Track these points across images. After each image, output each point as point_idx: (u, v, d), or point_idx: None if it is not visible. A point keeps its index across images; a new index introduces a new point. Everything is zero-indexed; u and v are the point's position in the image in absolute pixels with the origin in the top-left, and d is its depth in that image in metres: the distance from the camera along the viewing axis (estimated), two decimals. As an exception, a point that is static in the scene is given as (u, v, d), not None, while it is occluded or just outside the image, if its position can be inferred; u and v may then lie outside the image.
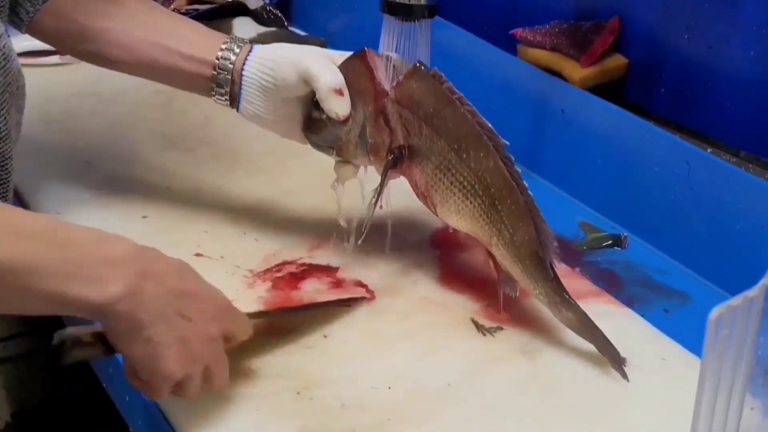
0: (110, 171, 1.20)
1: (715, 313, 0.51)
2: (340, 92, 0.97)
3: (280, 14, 1.67)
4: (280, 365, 0.89)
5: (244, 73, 0.99)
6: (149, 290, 0.71)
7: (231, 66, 1.00)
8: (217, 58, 1.00)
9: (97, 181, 1.16)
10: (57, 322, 1.09)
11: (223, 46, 1.00)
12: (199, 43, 1.01)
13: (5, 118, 0.91)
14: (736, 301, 0.52)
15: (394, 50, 1.01)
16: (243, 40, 1.02)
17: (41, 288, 0.66)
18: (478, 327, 0.95)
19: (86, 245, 0.68)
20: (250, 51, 1.01)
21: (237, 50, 1.00)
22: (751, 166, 1.12)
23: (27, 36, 1.06)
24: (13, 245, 0.64)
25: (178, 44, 1.01)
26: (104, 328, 0.73)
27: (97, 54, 1.04)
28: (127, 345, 0.72)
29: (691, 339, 0.94)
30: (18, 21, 1.02)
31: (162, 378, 0.74)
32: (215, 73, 1.00)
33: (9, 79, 0.92)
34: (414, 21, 0.99)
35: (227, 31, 1.60)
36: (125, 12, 1.03)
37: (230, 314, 0.81)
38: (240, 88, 1.00)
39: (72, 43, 1.05)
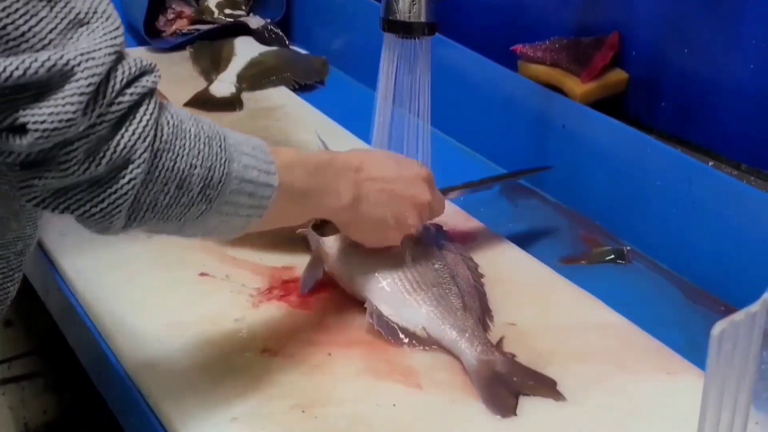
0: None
1: (718, 328, 0.52)
2: None
3: (281, 33, 1.68)
4: (286, 384, 0.89)
5: None
6: (365, 189, 0.92)
7: None
8: None
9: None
10: (63, 344, 1.10)
11: None
12: None
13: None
14: (738, 316, 0.52)
15: (395, 67, 1.01)
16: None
17: (311, 203, 0.88)
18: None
19: (326, 169, 0.88)
20: None
21: None
22: (752, 179, 1.12)
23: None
24: (287, 175, 0.82)
25: None
26: (339, 225, 0.95)
27: None
28: (356, 232, 0.96)
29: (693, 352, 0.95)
30: None
31: (384, 245, 0.97)
32: None
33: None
34: (414, 38, 1.00)
35: (229, 50, 1.61)
36: None
37: (433, 183, 1.00)
38: None
39: None
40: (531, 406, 0.88)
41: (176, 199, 0.73)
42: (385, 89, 1.04)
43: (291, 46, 1.69)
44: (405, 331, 0.94)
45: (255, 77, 1.55)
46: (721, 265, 1.07)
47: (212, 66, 1.58)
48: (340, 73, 1.60)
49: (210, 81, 1.54)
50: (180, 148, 0.72)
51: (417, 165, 1.00)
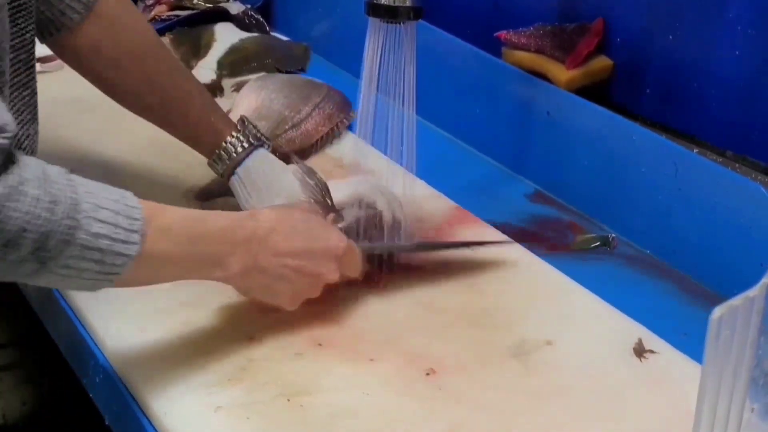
0: (94, 178, 1.18)
1: (716, 313, 0.51)
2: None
3: (261, 19, 1.66)
4: (271, 372, 0.88)
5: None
6: (263, 262, 0.87)
7: (229, 161, 1.06)
8: (227, 143, 1.07)
9: (80, 189, 1.15)
10: (42, 335, 1.08)
11: (235, 134, 1.06)
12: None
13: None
14: (737, 300, 0.52)
15: (379, 52, 1.00)
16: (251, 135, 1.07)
17: (184, 271, 0.85)
18: (637, 353, 0.94)
19: (214, 238, 0.85)
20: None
21: (246, 144, 1.07)
22: (737, 165, 1.12)
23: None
24: (159, 242, 0.79)
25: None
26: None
27: (115, 83, 1.08)
28: (247, 294, 0.92)
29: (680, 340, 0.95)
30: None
31: (278, 308, 0.93)
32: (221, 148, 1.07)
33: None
34: (399, 23, 0.99)
35: (209, 37, 1.60)
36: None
37: (346, 258, 0.94)
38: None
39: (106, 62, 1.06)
40: (512, 397, 0.87)
41: (2, 256, 0.71)
42: (369, 75, 1.03)
43: (272, 33, 1.67)
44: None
45: (235, 64, 1.54)
46: (706, 252, 1.07)
47: (192, 53, 1.56)
48: (322, 60, 1.59)
49: (190, 68, 1.52)
50: (10, 210, 0.70)
51: (333, 237, 0.93)
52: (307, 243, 0.91)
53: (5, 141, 0.69)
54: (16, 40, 0.88)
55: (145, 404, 0.85)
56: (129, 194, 0.78)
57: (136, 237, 0.77)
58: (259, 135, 1.08)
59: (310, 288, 0.92)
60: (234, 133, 1.06)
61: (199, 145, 1.08)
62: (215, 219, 0.86)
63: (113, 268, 0.76)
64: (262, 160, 1.07)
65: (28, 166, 0.72)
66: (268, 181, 1.05)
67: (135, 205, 0.78)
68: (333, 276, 0.92)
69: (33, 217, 0.71)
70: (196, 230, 0.83)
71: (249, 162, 1.06)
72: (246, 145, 1.06)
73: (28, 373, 1.48)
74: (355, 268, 0.96)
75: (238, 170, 1.06)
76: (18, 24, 0.88)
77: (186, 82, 1.08)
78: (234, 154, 1.06)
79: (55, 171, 0.74)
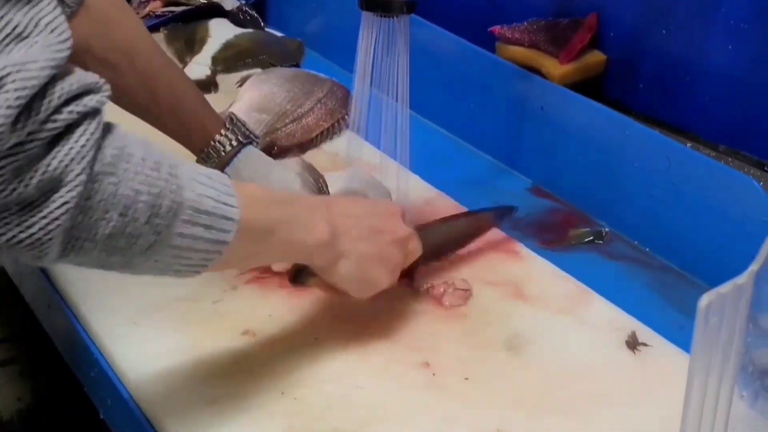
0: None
1: (704, 300, 0.51)
2: None
3: (256, 15, 1.66)
4: (265, 365, 0.88)
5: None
6: (342, 223, 0.85)
7: (218, 160, 1.05)
8: (215, 141, 1.05)
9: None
10: (36, 330, 1.09)
11: (223, 132, 1.05)
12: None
13: None
14: (725, 288, 0.52)
15: (373, 47, 1.00)
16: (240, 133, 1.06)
17: (281, 240, 0.81)
18: (630, 345, 0.94)
19: (292, 203, 0.84)
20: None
21: (235, 143, 1.05)
22: (730, 159, 1.13)
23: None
24: (251, 208, 0.77)
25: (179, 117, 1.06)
26: (324, 270, 0.87)
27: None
28: (338, 274, 0.87)
29: (673, 333, 0.95)
30: None
31: (380, 290, 0.90)
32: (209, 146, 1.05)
33: None
34: (392, 17, 0.99)
35: (203, 32, 1.60)
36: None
37: (406, 219, 0.93)
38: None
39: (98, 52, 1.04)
40: (506, 390, 0.88)
41: (120, 229, 0.67)
42: (363, 69, 1.03)
43: (266, 28, 1.67)
44: None
45: (230, 60, 1.53)
46: (699, 246, 1.07)
47: (187, 48, 1.56)
48: (317, 56, 1.59)
49: (184, 63, 1.52)
50: (123, 171, 0.66)
51: (386, 201, 0.96)
52: (368, 206, 0.92)
53: (106, 100, 0.66)
54: None
55: (139, 398, 0.85)
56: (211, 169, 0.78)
57: (234, 200, 0.74)
58: (247, 133, 1.08)
59: (392, 247, 0.90)
60: (222, 131, 1.06)
61: (189, 142, 1.07)
62: (283, 190, 0.89)
63: (221, 235, 0.73)
64: (251, 157, 1.06)
65: (122, 129, 0.69)
66: (259, 177, 1.05)
67: (222, 174, 0.75)
68: (405, 230, 0.91)
69: (143, 177, 0.67)
70: (276, 197, 0.83)
71: (238, 160, 1.05)
72: (234, 143, 1.06)
73: (23, 368, 1.48)
74: (415, 239, 0.94)
75: (227, 170, 1.05)
76: None
77: (177, 79, 1.08)
78: (222, 153, 1.05)
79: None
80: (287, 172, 1.07)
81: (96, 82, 0.66)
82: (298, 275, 0.90)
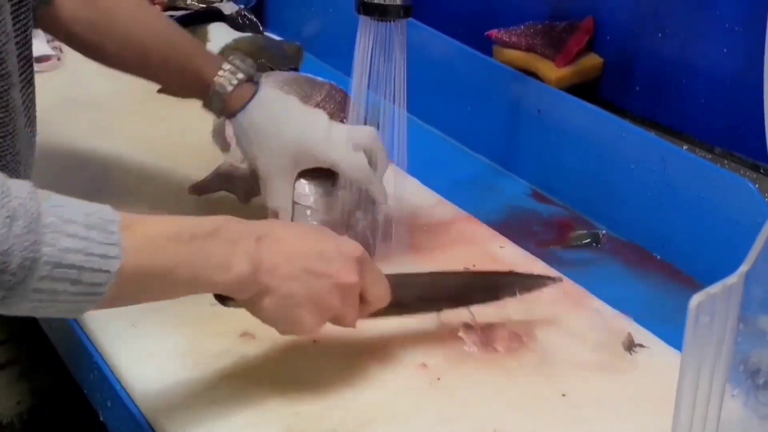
0: (88, 177, 1.20)
1: (695, 300, 0.52)
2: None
3: (255, 19, 1.67)
4: (264, 367, 0.89)
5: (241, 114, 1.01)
6: (268, 260, 0.78)
7: (225, 96, 1.02)
8: (214, 83, 1.02)
9: (74, 187, 1.14)
10: (35, 332, 1.09)
11: (219, 78, 1.02)
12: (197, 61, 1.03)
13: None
14: (715, 288, 0.53)
15: (370, 51, 1.01)
16: (240, 68, 1.02)
17: (182, 280, 0.76)
18: (626, 347, 0.95)
19: (207, 237, 0.76)
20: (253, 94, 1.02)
21: (235, 81, 1.01)
22: (726, 161, 1.13)
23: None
24: (146, 252, 0.73)
25: (177, 61, 1.03)
26: (239, 302, 0.81)
27: (96, 44, 1.05)
28: (261, 310, 0.80)
29: (669, 334, 0.96)
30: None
31: (305, 333, 0.83)
32: (210, 91, 1.02)
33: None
34: (389, 21, 0.99)
35: (202, 36, 1.60)
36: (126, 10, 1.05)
37: (366, 265, 0.84)
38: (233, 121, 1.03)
39: (81, 30, 1.04)
40: (504, 391, 0.88)
41: None
42: (360, 73, 1.03)
43: (265, 32, 1.68)
44: None
45: (229, 64, 1.54)
46: (695, 247, 1.08)
47: (186, 52, 1.57)
48: (315, 59, 1.60)
49: (184, 68, 1.53)
50: None
51: (348, 243, 0.84)
52: (316, 243, 0.82)
53: None
54: (20, 36, 0.88)
55: (139, 400, 0.85)
56: (107, 207, 0.72)
57: (115, 250, 0.70)
58: (245, 68, 1.03)
59: (328, 293, 0.81)
60: (221, 73, 1.02)
61: (190, 91, 1.05)
62: (210, 220, 0.78)
63: (94, 288, 0.70)
64: (264, 102, 1.02)
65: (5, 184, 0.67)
66: (274, 125, 1.01)
67: (112, 218, 0.71)
68: (351, 278, 0.81)
69: None
70: (188, 233, 0.75)
71: (252, 107, 1.01)
72: (234, 81, 1.02)
73: (22, 370, 1.48)
74: (380, 284, 0.86)
75: (240, 116, 1.01)
76: (20, 20, 0.87)
77: (165, 30, 1.05)
78: (225, 95, 1.01)
79: (18, 185, 0.68)
80: (309, 115, 1.04)
81: None
82: (224, 297, 0.82)
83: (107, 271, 0.70)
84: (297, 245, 0.81)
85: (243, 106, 1.01)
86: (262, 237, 0.79)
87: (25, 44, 0.90)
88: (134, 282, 0.72)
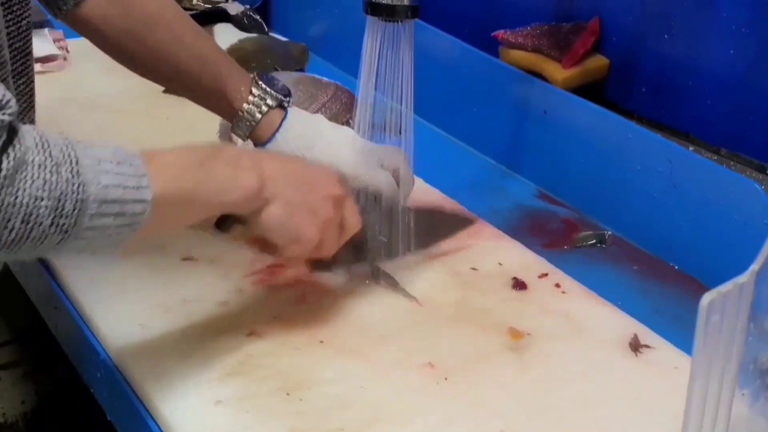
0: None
1: (706, 299, 0.52)
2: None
3: (260, 20, 1.67)
4: (271, 367, 0.89)
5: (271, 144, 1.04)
6: (270, 173, 0.84)
7: (250, 128, 1.04)
8: (243, 111, 1.04)
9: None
10: (41, 332, 1.09)
11: (247, 106, 1.04)
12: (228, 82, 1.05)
13: None
14: (726, 287, 0.53)
15: (377, 51, 1.01)
16: (270, 93, 1.04)
17: (200, 202, 0.81)
18: (632, 347, 0.94)
19: (213, 160, 0.81)
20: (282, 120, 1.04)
21: (259, 114, 1.04)
22: (732, 163, 1.13)
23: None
24: (168, 179, 0.77)
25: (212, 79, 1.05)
26: (250, 218, 0.85)
27: (129, 53, 1.05)
28: (265, 219, 0.85)
29: (675, 335, 0.96)
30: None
31: (305, 243, 0.87)
32: (238, 117, 1.04)
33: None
34: (397, 21, 0.99)
35: (208, 37, 1.60)
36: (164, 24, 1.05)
37: (346, 186, 0.91)
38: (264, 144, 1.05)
39: (114, 32, 1.04)
40: (509, 392, 0.88)
41: (24, 234, 0.68)
42: (368, 73, 1.03)
43: (270, 33, 1.68)
44: None
45: (235, 64, 1.54)
46: (701, 248, 1.08)
47: (191, 53, 1.57)
48: (321, 60, 1.60)
49: (189, 68, 1.53)
50: (21, 182, 0.67)
51: (327, 168, 0.93)
52: (305, 164, 0.91)
53: (8, 117, 0.67)
54: (12, 28, 0.88)
55: (146, 399, 0.85)
56: (122, 146, 0.75)
57: (145, 180, 0.74)
58: (275, 93, 1.05)
59: (322, 201, 0.87)
60: (250, 98, 1.04)
61: (217, 109, 1.07)
62: (209, 148, 0.84)
63: (135, 218, 0.74)
64: (293, 126, 1.04)
65: (28, 133, 0.70)
66: (305, 147, 1.04)
67: (134, 153, 0.75)
68: (339, 190, 0.89)
69: (42, 182, 0.68)
70: (193, 160, 0.80)
71: (280, 135, 1.04)
72: (265, 109, 1.04)
73: (26, 371, 1.48)
74: (353, 210, 0.92)
75: (270, 146, 1.03)
76: (13, 11, 0.88)
77: (200, 47, 1.06)
78: (254, 122, 1.04)
79: (53, 136, 0.72)
80: (338, 134, 1.06)
81: (1, 98, 0.67)
82: (223, 222, 0.87)
83: (143, 200, 0.74)
84: (289, 164, 0.89)
85: (273, 135, 1.04)
86: (257, 157, 0.85)
87: (18, 36, 0.90)
88: (164, 208, 0.76)
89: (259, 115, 1.03)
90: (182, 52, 1.04)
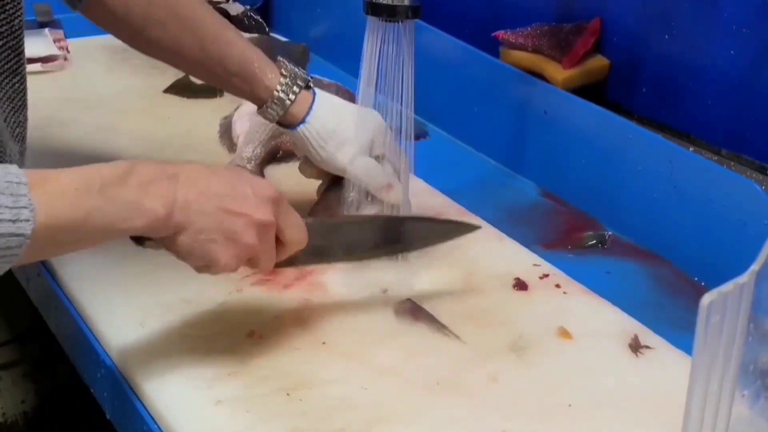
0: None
1: (706, 299, 0.52)
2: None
3: (261, 20, 1.67)
4: (271, 367, 0.89)
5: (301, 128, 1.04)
6: (182, 198, 0.79)
7: (283, 111, 1.04)
8: (277, 91, 1.04)
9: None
10: (42, 331, 1.09)
11: (279, 88, 1.03)
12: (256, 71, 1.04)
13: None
14: (726, 287, 0.53)
15: (378, 52, 1.01)
16: (298, 77, 1.04)
17: (96, 229, 0.76)
18: (633, 348, 0.94)
19: (118, 183, 0.76)
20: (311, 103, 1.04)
21: (292, 96, 1.04)
22: (732, 163, 1.13)
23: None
24: (56, 209, 0.73)
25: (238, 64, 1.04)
26: (156, 242, 0.82)
27: (151, 39, 1.05)
28: (176, 246, 0.81)
29: (675, 336, 0.95)
30: None
31: (220, 269, 0.83)
32: (270, 99, 1.04)
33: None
34: (397, 21, 0.99)
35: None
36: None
37: (282, 207, 0.85)
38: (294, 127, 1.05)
39: (135, 20, 1.04)
40: (509, 392, 0.88)
41: None
42: (368, 74, 1.03)
43: (271, 33, 1.68)
44: None
45: (235, 64, 1.54)
46: (702, 249, 1.08)
47: (192, 53, 1.57)
48: (321, 60, 1.60)
49: (190, 68, 1.53)
50: None
51: (262, 183, 0.86)
52: (231, 185, 0.82)
53: None
54: (5, 27, 0.88)
55: (146, 398, 0.86)
56: (13, 168, 0.71)
57: (26, 213, 0.70)
58: (302, 74, 1.06)
59: (243, 230, 0.81)
60: (280, 83, 1.04)
61: (245, 94, 1.07)
62: (120, 165, 0.78)
63: (10, 251, 0.70)
64: (318, 114, 1.04)
65: None
66: (330, 132, 1.04)
67: (19, 180, 0.70)
68: (265, 216, 0.83)
69: None
70: (98, 182, 0.75)
71: (317, 111, 1.04)
72: (296, 90, 1.04)
73: (27, 370, 1.48)
74: (296, 227, 0.87)
75: (310, 122, 1.03)
76: (6, 10, 0.88)
77: (223, 30, 1.06)
78: (284, 105, 1.04)
79: None
80: (366, 117, 1.06)
81: None
82: (138, 238, 0.83)
83: (21, 235, 0.70)
84: (211, 184, 0.81)
85: (308, 113, 1.04)
86: (174, 176, 0.79)
87: (10, 34, 0.90)
88: (49, 238, 0.72)
89: (292, 96, 1.03)
90: (207, 36, 1.03)
